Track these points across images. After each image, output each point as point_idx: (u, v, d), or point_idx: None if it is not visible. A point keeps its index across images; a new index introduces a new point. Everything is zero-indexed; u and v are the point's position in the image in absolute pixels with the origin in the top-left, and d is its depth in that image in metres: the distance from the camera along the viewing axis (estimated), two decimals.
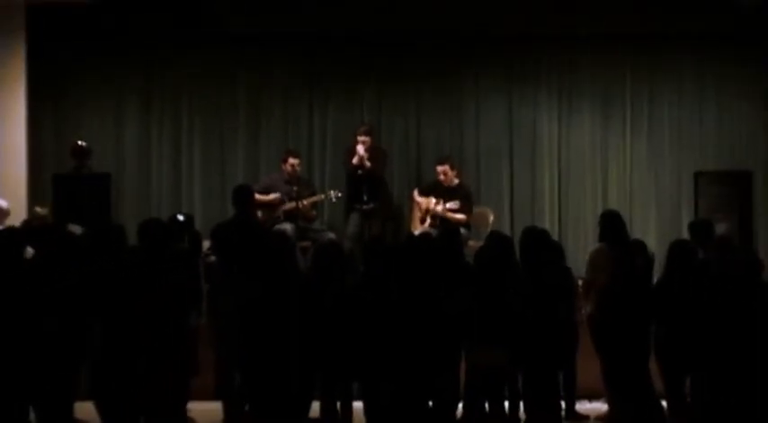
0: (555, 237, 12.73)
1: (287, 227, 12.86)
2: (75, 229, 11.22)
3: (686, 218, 14.38)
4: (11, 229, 9.73)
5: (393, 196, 14.54)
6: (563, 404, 9.66)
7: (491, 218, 13.95)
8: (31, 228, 10.46)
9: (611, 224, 9.97)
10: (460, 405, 9.22)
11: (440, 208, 13.37)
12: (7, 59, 13.93)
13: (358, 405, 9.15)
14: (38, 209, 12.67)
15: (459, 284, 9.05)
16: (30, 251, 9.48)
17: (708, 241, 9.98)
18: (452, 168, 13.70)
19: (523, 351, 9.07)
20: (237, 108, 14.99)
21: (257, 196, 12.01)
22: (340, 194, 13.79)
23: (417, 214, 13.66)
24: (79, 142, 13.60)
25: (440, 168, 13.69)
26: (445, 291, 8.97)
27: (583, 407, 10.34)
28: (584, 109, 15.01)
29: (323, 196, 13.80)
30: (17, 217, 12.24)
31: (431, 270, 9.08)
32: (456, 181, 13.71)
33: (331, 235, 13.23)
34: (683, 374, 8.99)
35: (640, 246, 9.72)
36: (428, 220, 13.42)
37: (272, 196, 13.52)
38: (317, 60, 14.97)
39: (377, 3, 14.31)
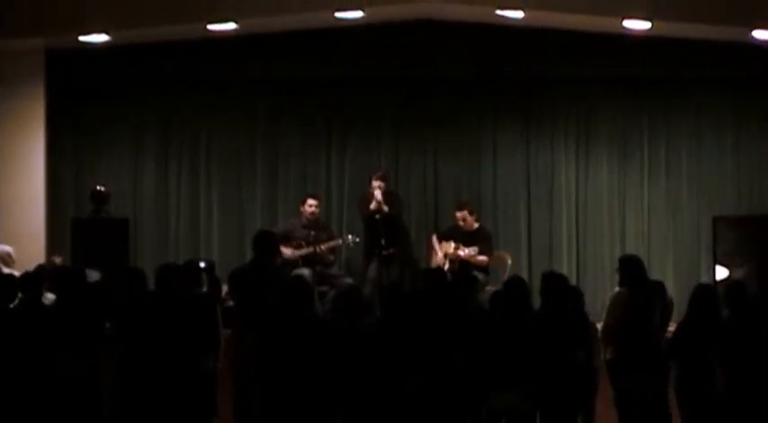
0: (573, 281, 12.69)
1: (305, 272, 12.83)
2: (92, 274, 11.24)
3: (705, 263, 14.36)
4: (27, 274, 9.75)
5: (411, 240, 14.54)
6: None
7: (509, 262, 13.92)
8: (50, 273, 10.44)
9: (631, 268, 9.93)
10: None
11: (460, 253, 13.34)
12: (27, 103, 14.02)
13: None
14: (55, 258, 12.69)
15: (472, 331, 9.03)
16: (49, 297, 9.49)
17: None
18: (471, 213, 13.73)
19: (541, 394, 9.04)
20: (255, 152, 15.04)
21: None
22: (358, 239, 13.79)
23: (436, 259, 13.64)
24: (98, 187, 13.63)
25: (459, 214, 13.72)
26: (457, 338, 8.95)
27: None
28: (602, 153, 15.02)
29: (340, 241, 13.81)
30: (35, 261, 12.16)
31: (444, 316, 9.07)
32: (476, 225, 13.72)
33: (349, 280, 13.19)
34: (704, 416, 8.96)
35: (660, 288, 9.68)
36: (447, 265, 13.38)
37: (289, 252, 13.41)
38: (334, 105, 15.05)
39: (393, 47, 14.37)
